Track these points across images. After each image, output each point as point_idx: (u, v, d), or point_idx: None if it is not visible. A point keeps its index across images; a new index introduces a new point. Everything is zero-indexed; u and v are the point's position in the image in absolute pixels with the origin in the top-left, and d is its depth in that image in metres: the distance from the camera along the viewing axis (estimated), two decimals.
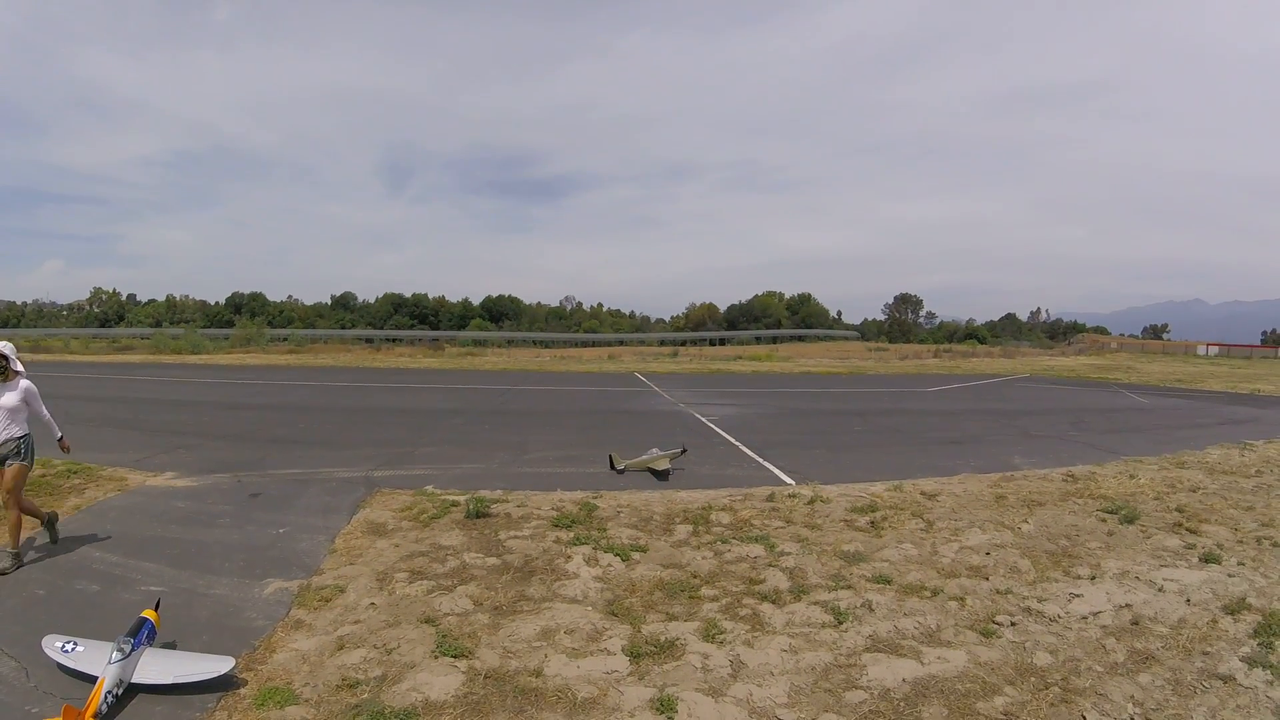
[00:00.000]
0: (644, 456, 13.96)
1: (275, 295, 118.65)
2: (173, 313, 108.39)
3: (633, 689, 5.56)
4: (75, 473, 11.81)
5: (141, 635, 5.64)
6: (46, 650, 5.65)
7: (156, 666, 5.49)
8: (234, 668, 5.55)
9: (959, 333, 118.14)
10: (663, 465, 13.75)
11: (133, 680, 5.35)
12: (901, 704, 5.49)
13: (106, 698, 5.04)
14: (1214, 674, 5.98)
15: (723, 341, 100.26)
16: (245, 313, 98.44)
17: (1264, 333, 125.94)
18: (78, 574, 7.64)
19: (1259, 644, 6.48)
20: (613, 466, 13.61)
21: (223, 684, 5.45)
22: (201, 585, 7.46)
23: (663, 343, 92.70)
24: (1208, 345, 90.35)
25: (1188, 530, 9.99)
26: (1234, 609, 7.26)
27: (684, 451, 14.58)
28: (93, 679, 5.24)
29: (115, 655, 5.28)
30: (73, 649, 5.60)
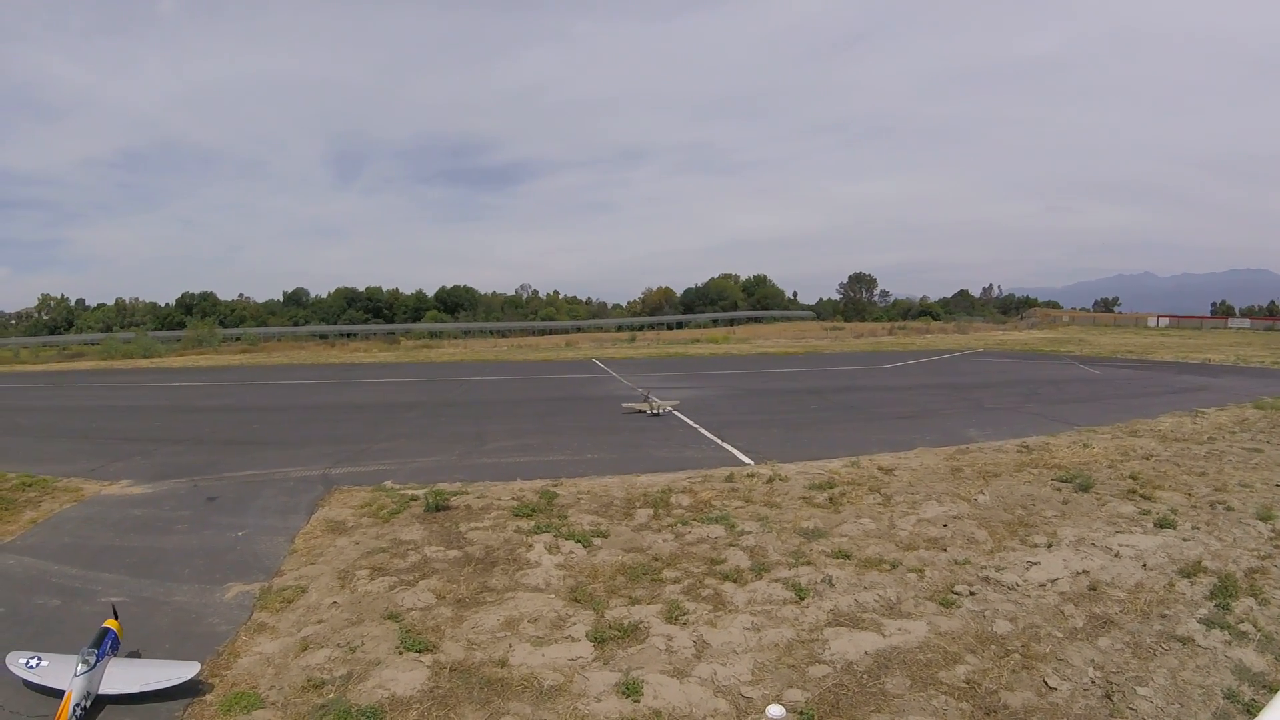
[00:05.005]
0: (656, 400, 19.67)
1: (226, 294, 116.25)
2: (123, 316, 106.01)
3: (598, 674, 5.59)
4: (30, 485, 11.53)
5: (105, 646, 5.56)
6: (10, 667, 5.54)
7: (122, 676, 5.43)
8: (199, 672, 5.50)
9: (913, 310, 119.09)
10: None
11: (100, 692, 5.28)
12: (864, 676, 5.57)
13: (75, 711, 4.97)
14: (1172, 636, 6.12)
15: (680, 325, 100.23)
16: (196, 313, 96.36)
17: (1213, 303, 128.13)
18: (37, 589, 7.48)
19: (1216, 605, 6.64)
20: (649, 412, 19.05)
21: (189, 689, 5.41)
22: (162, 593, 7.36)
23: (620, 328, 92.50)
24: (1158, 317, 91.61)
25: (1142, 497, 10.20)
26: (1190, 572, 7.43)
27: (647, 396, 20.10)
28: (59, 693, 5.16)
29: (81, 668, 5.20)
30: (37, 664, 5.50)
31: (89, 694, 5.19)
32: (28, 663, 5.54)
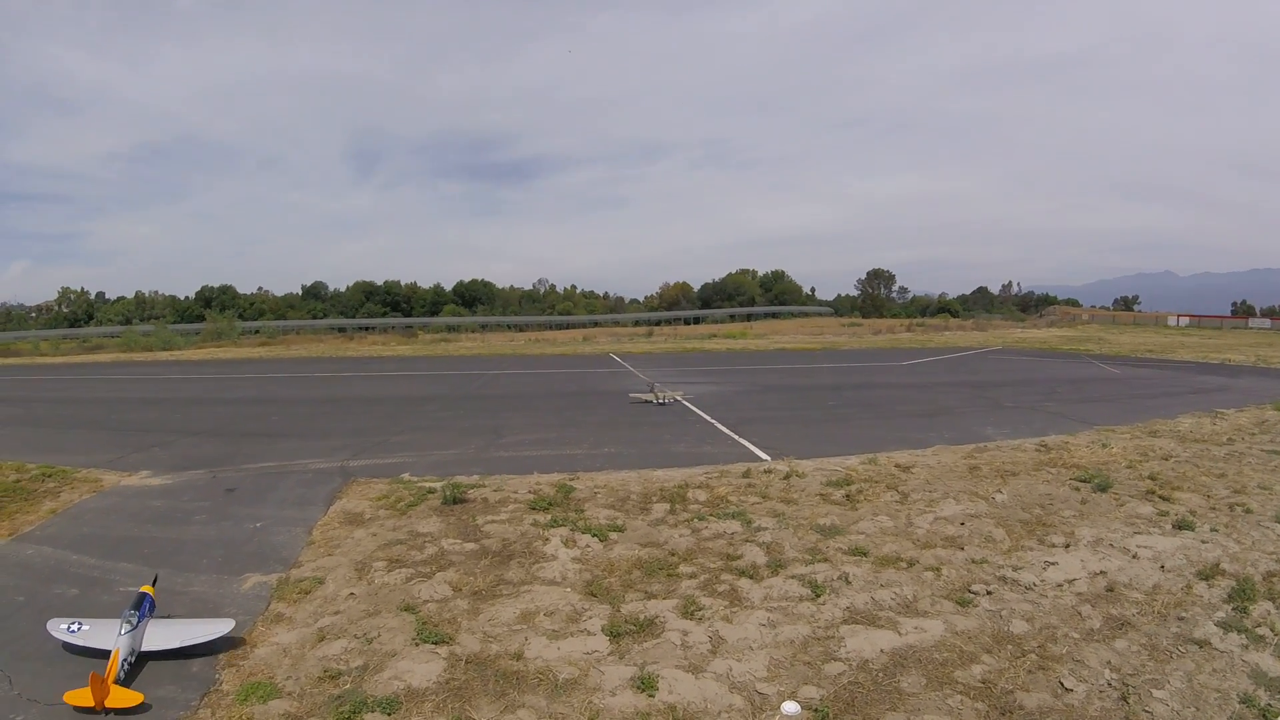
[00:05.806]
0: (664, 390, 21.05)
1: (245, 287, 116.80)
2: (142, 309, 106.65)
3: (613, 668, 5.61)
4: (50, 476, 11.65)
5: (144, 608, 5.92)
6: (52, 632, 5.87)
7: (163, 634, 5.82)
8: (233, 628, 5.93)
9: (932, 307, 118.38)
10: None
11: (142, 649, 5.67)
12: (880, 674, 5.56)
13: (123, 665, 5.33)
14: (1189, 639, 6.08)
15: (697, 320, 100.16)
16: (215, 306, 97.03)
17: (1234, 303, 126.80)
18: (56, 578, 7.57)
19: (1233, 609, 6.59)
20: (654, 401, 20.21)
21: (225, 644, 5.88)
22: (180, 583, 7.41)
23: (637, 323, 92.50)
24: (1178, 316, 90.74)
25: (1161, 498, 10.11)
26: (1208, 574, 7.37)
27: (652, 387, 21.68)
28: (104, 653, 5.48)
29: (124, 628, 5.57)
30: (79, 629, 5.83)
31: (134, 650, 5.57)
32: (69, 627, 5.88)
